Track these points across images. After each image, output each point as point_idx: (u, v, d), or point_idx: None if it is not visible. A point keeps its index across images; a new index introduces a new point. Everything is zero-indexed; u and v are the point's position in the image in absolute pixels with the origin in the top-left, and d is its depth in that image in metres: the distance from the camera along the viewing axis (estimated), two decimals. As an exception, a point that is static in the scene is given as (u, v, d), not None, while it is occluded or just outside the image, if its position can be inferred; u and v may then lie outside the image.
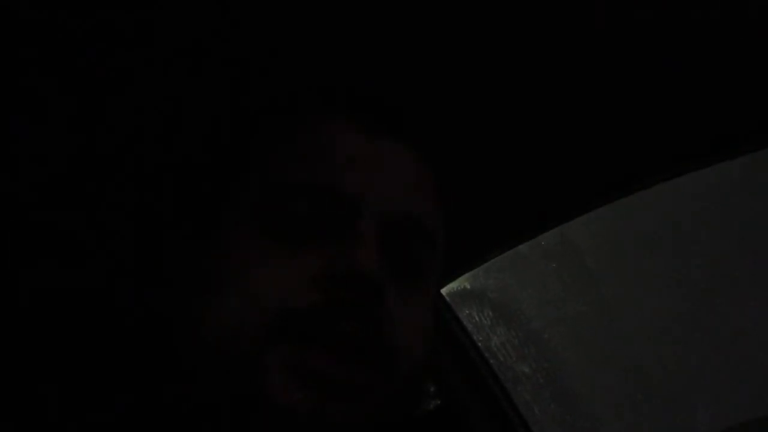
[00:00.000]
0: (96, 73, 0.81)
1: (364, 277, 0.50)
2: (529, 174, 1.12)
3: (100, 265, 0.91)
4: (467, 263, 1.42)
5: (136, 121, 0.87)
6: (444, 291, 1.49)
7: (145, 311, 0.58)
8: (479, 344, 1.53)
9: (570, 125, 1.02)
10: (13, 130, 0.85)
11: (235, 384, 0.49)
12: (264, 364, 0.48)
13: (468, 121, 1.00)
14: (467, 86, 0.95)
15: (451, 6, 0.83)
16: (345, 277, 0.50)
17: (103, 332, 0.60)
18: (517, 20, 0.85)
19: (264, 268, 0.52)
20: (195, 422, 0.52)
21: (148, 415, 0.54)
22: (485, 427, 1.42)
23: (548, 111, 0.99)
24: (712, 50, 0.91)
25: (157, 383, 0.55)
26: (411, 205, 0.58)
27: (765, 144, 1.00)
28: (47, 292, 0.81)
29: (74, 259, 0.95)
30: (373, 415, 0.51)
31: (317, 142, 0.57)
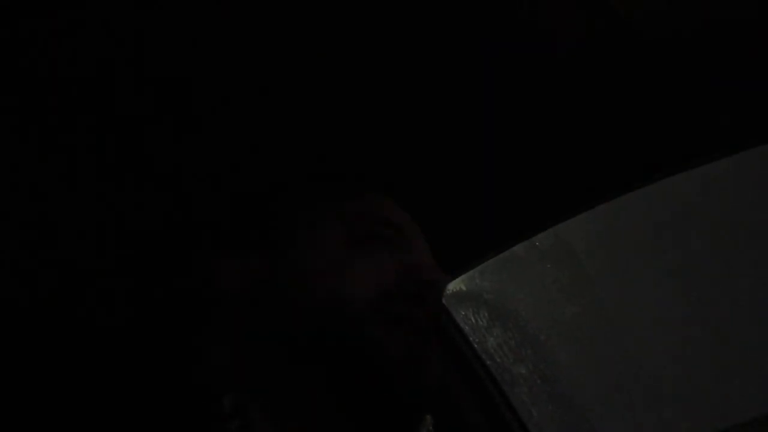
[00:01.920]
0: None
1: (434, 285, 0.77)
2: (524, 173, 1.12)
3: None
4: (463, 265, 1.42)
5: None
6: (440, 293, 1.48)
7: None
8: (476, 346, 1.53)
9: (566, 125, 1.02)
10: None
11: (344, 335, 0.69)
12: (371, 324, 0.69)
13: (462, 124, 1.00)
14: (460, 88, 0.94)
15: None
16: (421, 282, 0.75)
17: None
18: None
19: (363, 262, 0.74)
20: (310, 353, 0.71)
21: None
22: (483, 429, 1.42)
23: (544, 112, 0.99)
24: (709, 51, 0.91)
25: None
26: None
27: (764, 140, 1.00)
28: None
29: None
30: (427, 368, 0.73)
31: (383, 202, 0.84)
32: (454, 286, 1.57)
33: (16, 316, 0.85)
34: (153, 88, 0.85)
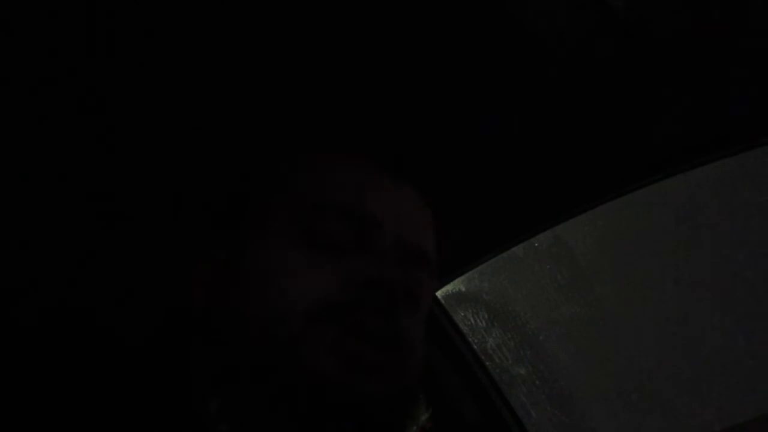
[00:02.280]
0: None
1: (390, 284, 0.63)
2: (523, 177, 1.11)
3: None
4: (462, 266, 1.41)
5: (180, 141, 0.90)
6: (439, 294, 1.48)
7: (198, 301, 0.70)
8: (475, 347, 1.52)
9: (562, 128, 1.01)
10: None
11: (278, 357, 0.60)
12: (306, 343, 0.60)
13: (459, 126, 1.00)
14: (458, 90, 0.94)
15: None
16: (374, 283, 0.63)
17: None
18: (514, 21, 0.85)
19: (305, 269, 0.64)
20: (242, 388, 0.63)
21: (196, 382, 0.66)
22: (482, 429, 1.41)
23: (540, 115, 0.99)
24: (705, 51, 0.90)
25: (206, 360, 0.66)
26: (419, 240, 0.72)
27: (762, 141, 1.00)
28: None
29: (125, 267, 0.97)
30: (386, 393, 0.62)
31: (352, 174, 0.71)
32: (454, 287, 1.56)
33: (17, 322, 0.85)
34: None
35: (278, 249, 0.66)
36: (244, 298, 0.64)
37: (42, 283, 0.94)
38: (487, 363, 1.47)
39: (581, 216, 1.19)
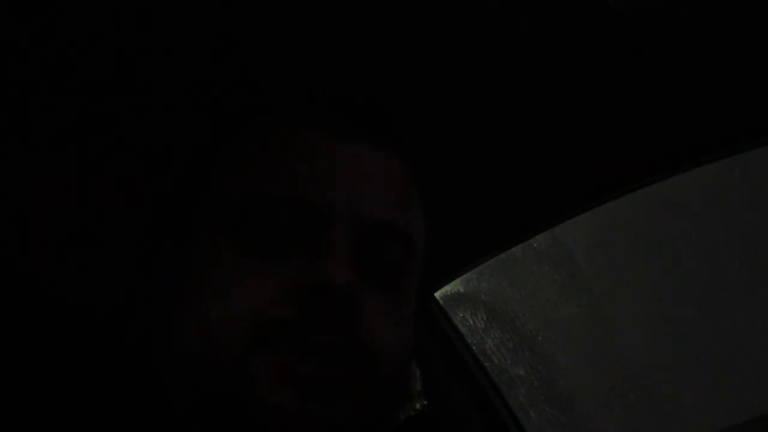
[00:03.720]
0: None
1: (336, 289, 0.51)
2: (521, 177, 1.11)
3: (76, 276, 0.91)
4: (461, 267, 1.41)
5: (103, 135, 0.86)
6: (438, 294, 1.48)
7: (124, 323, 0.59)
8: (474, 347, 1.52)
9: (560, 127, 1.01)
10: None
11: (221, 389, 0.51)
12: (250, 370, 0.50)
13: (457, 126, 0.99)
14: (455, 89, 0.93)
15: (437, 8, 0.82)
16: (317, 290, 0.51)
17: (82, 342, 0.62)
18: (506, 20, 0.84)
19: (240, 281, 0.53)
20: (180, 428, 0.53)
21: (131, 422, 0.56)
22: (481, 430, 1.41)
23: (538, 113, 0.98)
24: (706, 50, 0.90)
25: (138, 392, 0.57)
26: (385, 211, 0.58)
27: (759, 143, 0.99)
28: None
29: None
30: (357, 414, 0.53)
31: (291, 149, 0.58)
32: (453, 287, 1.56)
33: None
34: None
35: (207, 258, 0.56)
36: (173, 323, 0.55)
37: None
38: (486, 364, 1.46)
39: (580, 216, 1.19)
